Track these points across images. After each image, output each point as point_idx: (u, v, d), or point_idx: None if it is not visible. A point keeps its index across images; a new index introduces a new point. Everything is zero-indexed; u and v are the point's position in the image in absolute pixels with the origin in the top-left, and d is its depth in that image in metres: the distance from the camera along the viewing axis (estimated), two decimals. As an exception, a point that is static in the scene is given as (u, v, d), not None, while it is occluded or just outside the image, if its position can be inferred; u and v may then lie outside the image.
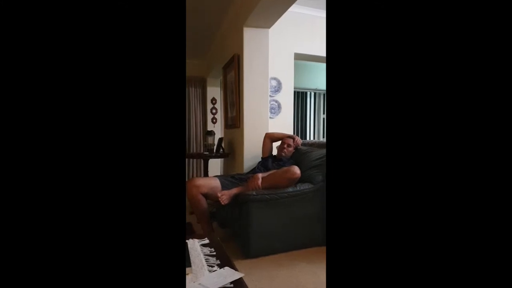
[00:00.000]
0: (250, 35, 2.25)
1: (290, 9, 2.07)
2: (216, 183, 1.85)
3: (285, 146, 2.09)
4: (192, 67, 4.24)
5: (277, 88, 2.76)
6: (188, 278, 0.77)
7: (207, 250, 0.97)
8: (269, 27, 2.27)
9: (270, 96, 2.66)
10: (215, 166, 3.84)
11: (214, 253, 0.94)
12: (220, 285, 0.74)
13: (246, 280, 0.78)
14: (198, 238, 1.08)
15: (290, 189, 1.68)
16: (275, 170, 1.86)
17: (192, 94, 4.28)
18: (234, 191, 1.73)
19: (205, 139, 3.02)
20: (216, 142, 2.85)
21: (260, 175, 1.76)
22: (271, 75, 2.54)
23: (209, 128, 4.08)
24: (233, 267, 0.84)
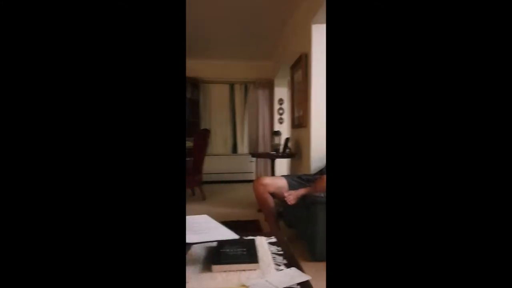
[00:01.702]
0: (319, 32, 2.18)
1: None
2: (283, 182, 1.86)
3: (356, 146, 1.96)
4: (259, 69, 4.36)
5: (348, 85, 2.61)
6: (255, 274, 0.79)
7: (274, 248, 0.98)
8: (339, 21, 2.16)
9: (340, 94, 2.53)
10: (282, 166, 3.86)
11: (281, 252, 0.95)
12: (287, 285, 0.73)
13: (312, 284, 0.76)
14: (265, 236, 1.10)
15: (362, 193, 1.56)
16: (345, 172, 1.76)
17: (259, 96, 4.42)
18: (301, 191, 1.70)
19: (272, 139, 3.06)
20: (282, 142, 2.87)
21: (328, 176, 1.69)
22: (340, 71, 2.41)
23: (276, 129, 4.13)
24: (300, 268, 0.83)
